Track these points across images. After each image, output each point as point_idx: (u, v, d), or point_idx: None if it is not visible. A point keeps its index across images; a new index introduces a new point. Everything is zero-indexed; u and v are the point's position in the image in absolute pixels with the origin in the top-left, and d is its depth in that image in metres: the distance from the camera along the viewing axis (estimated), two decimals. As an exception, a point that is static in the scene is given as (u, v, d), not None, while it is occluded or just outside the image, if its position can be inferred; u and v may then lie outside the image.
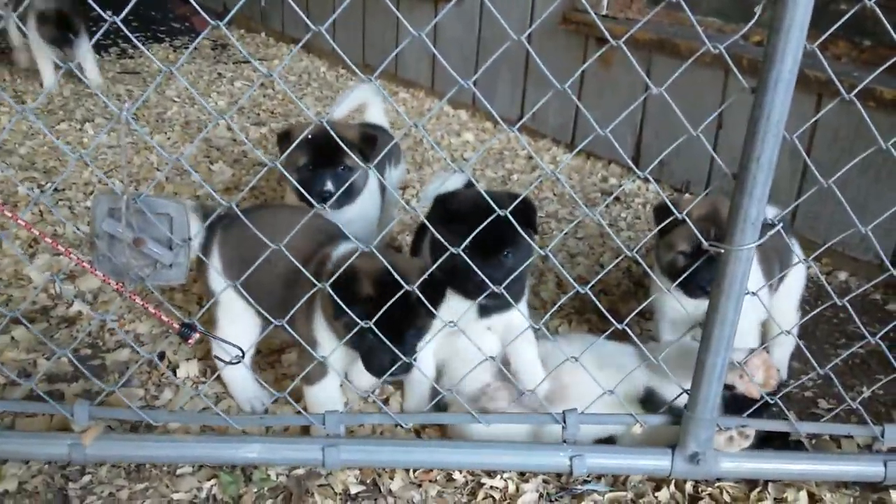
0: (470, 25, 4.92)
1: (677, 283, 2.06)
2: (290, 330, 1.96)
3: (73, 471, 1.97)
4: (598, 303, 1.92)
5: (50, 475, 1.96)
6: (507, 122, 1.74)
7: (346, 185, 2.48)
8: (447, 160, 1.79)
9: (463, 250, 1.78)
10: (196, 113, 4.94)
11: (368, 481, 2.00)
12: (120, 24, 1.56)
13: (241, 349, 1.89)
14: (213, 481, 1.96)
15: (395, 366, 1.87)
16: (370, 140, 2.64)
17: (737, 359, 1.95)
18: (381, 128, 3.29)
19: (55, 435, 1.97)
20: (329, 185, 2.48)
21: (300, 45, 1.73)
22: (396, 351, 1.85)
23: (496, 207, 1.76)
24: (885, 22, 1.65)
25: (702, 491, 2.00)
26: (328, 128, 1.87)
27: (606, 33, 1.68)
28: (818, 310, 2.36)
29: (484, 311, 2.12)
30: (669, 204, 1.90)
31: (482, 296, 1.90)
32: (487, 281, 1.81)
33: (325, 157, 2.51)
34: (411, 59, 5.53)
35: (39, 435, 1.99)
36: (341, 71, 6.11)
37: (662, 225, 2.17)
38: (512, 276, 1.89)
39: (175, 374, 2.39)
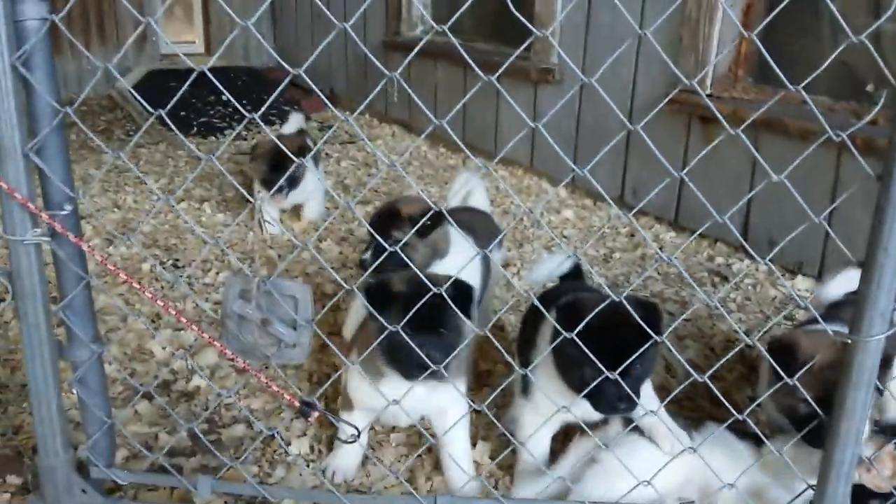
0: (570, 106, 5.00)
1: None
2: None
3: (192, 544, 2.04)
4: (715, 390, 1.88)
5: (170, 547, 2.03)
6: (610, 200, 1.77)
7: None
8: (554, 237, 1.81)
9: None
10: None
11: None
12: (258, 119, 1.67)
13: (357, 428, 1.93)
14: (324, 560, 1.99)
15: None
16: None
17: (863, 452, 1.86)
18: (484, 213, 3.36)
19: (178, 507, 2.04)
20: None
21: (422, 135, 1.80)
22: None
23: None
24: None
25: None
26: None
27: (723, 120, 1.69)
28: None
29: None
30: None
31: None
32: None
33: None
34: (509, 135, 5.65)
35: (164, 506, 2.07)
36: (441, 150, 6.28)
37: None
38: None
39: (287, 452, 2.44)
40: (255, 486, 1.97)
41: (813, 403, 1.89)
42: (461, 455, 2.30)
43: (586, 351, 1.84)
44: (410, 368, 2.01)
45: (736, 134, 1.62)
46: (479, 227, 3.02)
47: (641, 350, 1.83)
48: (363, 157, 6.07)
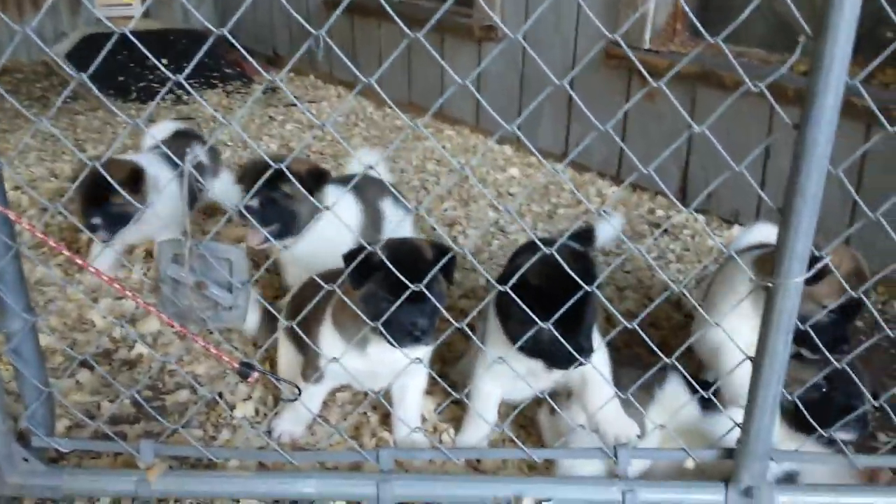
0: (513, 63, 5.00)
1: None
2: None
3: (138, 509, 2.05)
4: (646, 337, 1.93)
5: (116, 514, 2.04)
6: (551, 157, 1.80)
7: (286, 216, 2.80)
8: (490, 198, 1.84)
9: None
10: (248, 156, 5.10)
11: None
12: (183, 81, 1.64)
13: (297, 387, 1.95)
14: (272, 518, 2.02)
15: None
16: (315, 174, 2.82)
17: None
18: (375, 178, 3.26)
19: (122, 472, 2.04)
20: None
21: (353, 92, 1.79)
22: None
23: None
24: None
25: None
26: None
27: (648, 76, 1.72)
28: (872, 340, 2.33)
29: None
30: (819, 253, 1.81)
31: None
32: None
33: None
34: (455, 97, 5.62)
35: (107, 472, 2.07)
36: (388, 110, 6.24)
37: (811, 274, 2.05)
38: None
39: (232, 416, 2.45)
40: (199, 447, 1.98)
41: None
42: (413, 410, 2.35)
43: (521, 305, 1.85)
44: (401, 336, 2.00)
45: (659, 86, 1.64)
46: (366, 186, 3.12)
47: (574, 300, 1.83)
48: (308, 120, 6.00)
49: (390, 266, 1.81)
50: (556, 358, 1.99)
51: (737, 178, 1.78)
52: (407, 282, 1.81)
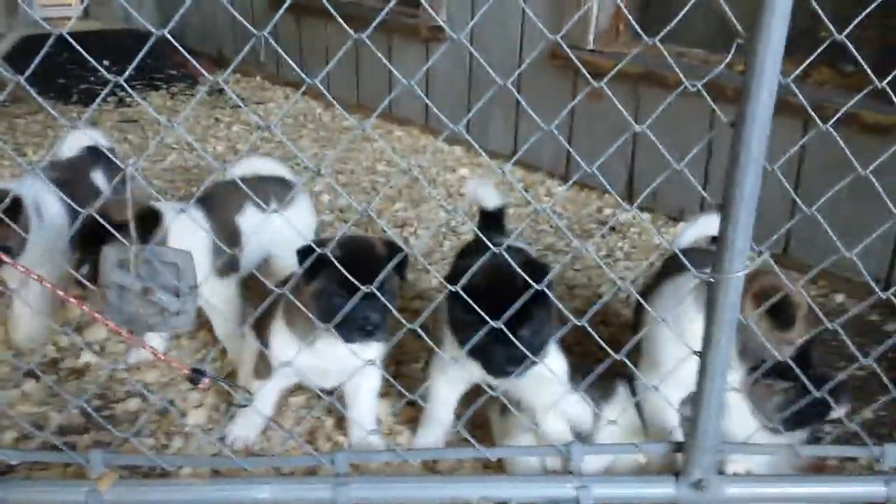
0: (460, 62, 5.02)
1: None
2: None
3: (88, 521, 2.01)
4: (594, 334, 1.97)
5: (66, 526, 1.99)
6: (500, 156, 1.81)
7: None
8: (439, 199, 1.85)
9: None
10: (195, 159, 5.03)
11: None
12: (124, 83, 1.62)
13: (249, 392, 1.94)
14: (226, 526, 1.99)
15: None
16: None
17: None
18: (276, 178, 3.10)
19: (72, 483, 2.00)
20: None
21: (297, 94, 1.79)
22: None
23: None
24: (858, 56, 1.72)
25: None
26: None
27: (589, 77, 1.75)
28: (814, 332, 2.40)
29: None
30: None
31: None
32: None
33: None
34: (404, 97, 5.63)
35: (56, 483, 2.03)
36: (336, 111, 6.21)
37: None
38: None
39: (184, 423, 2.42)
40: (151, 456, 1.96)
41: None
42: (367, 412, 2.35)
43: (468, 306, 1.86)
44: (352, 331, 2.00)
45: (601, 87, 1.68)
46: (221, 196, 2.80)
47: (519, 303, 1.84)
48: (255, 122, 5.94)
49: (340, 263, 1.81)
50: (491, 365, 1.99)
51: (681, 176, 1.82)
52: (359, 278, 1.81)
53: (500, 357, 1.93)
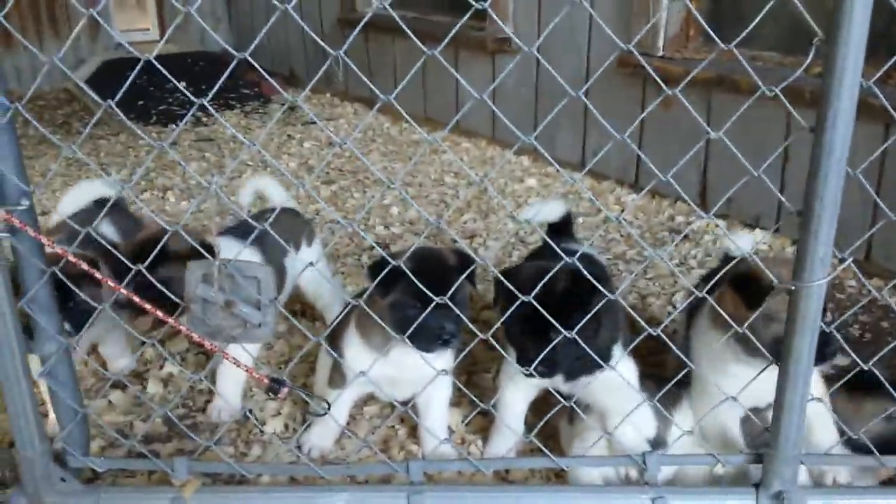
0: (527, 74, 5.03)
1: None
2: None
3: (173, 527, 2.08)
4: (670, 344, 1.94)
5: (151, 531, 2.07)
6: (568, 166, 1.82)
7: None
8: (509, 209, 1.86)
9: None
10: (269, 174, 5.16)
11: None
12: (207, 104, 1.69)
13: (328, 402, 1.99)
14: (305, 532, 2.04)
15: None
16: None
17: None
18: (290, 210, 3.20)
19: (157, 489, 2.07)
20: None
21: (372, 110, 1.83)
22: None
23: None
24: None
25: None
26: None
27: (662, 84, 1.74)
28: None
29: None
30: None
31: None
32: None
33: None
34: (471, 110, 5.63)
35: (142, 490, 2.11)
36: (405, 125, 6.29)
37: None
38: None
39: (262, 432, 2.49)
40: (232, 464, 2.02)
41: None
42: (439, 422, 2.37)
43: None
44: (428, 341, 2.04)
45: (674, 94, 1.66)
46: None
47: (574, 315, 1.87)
48: (326, 138, 6.06)
49: (413, 275, 1.85)
50: (525, 360, 2.00)
51: (756, 183, 1.79)
52: (432, 289, 1.85)
53: (534, 356, 1.95)
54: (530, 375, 2.00)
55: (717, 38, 1.64)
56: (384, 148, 5.79)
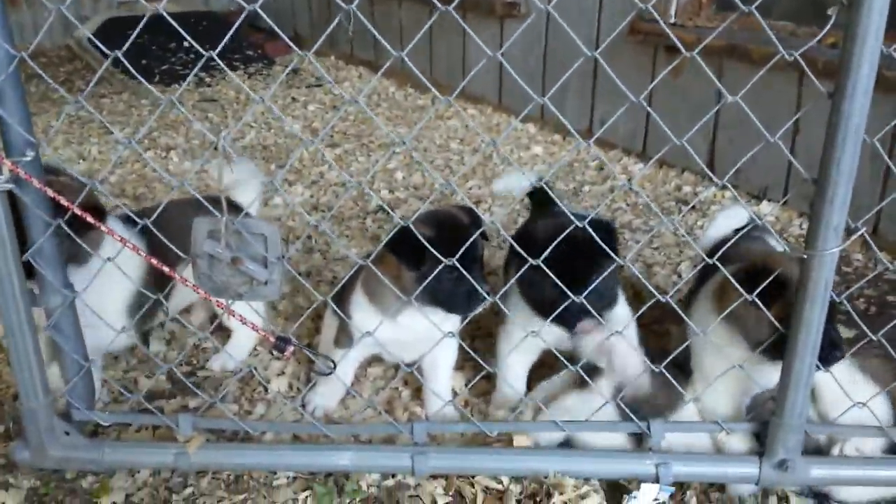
0: (536, 40, 4.97)
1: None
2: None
3: (176, 483, 2.08)
4: (679, 311, 1.94)
5: (154, 487, 2.07)
6: (578, 133, 1.78)
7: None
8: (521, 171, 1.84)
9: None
10: (272, 137, 5.12)
11: (452, 492, 2.05)
12: (216, 57, 1.66)
13: (333, 361, 1.98)
14: (307, 492, 2.04)
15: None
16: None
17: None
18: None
19: (161, 444, 2.08)
20: None
21: (380, 72, 1.80)
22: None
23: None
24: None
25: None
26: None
27: (679, 43, 1.71)
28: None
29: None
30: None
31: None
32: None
33: None
34: (477, 75, 5.59)
35: (147, 444, 2.11)
36: (410, 90, 6.23)
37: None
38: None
39: (266, 390, 2.49)
40: (236, 420, 2.02)
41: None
42: (444, 384, 2.37)
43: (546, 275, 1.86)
44: (464, 303, 2.04)
45: (692, 56, 1.63)
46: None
47: (597, 268, 1.89)
48: (331, 101, 6.01)
49: (436, 241, 1.86)
50: (564, 319, 2.00)
51: (765, 154, 1.77)
52: (459, 254, 1.85)
53: (571, 310, 1.93)
54: (568, 327, 2.01)
55: (738, 2, 1.61)
56: (389, 112, 5.74)
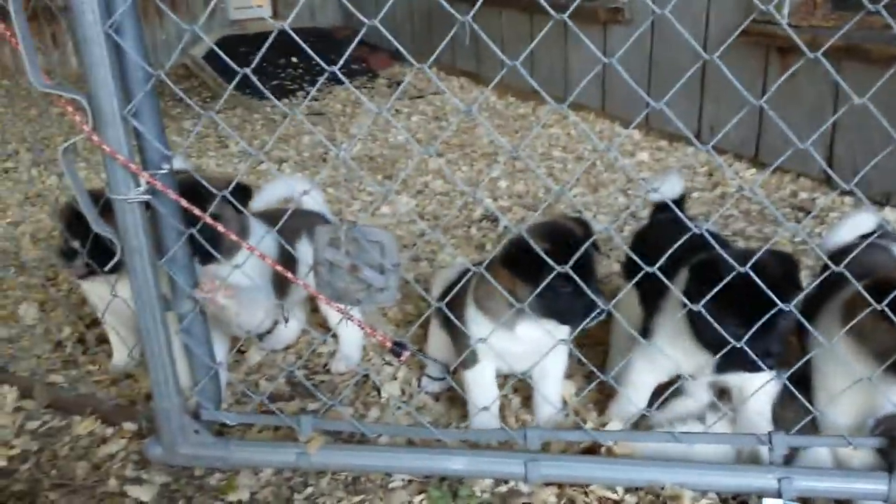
0: (640, 45, 4.90)
1: None
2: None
3: (297, 482, 2.16)
4: (803, 320, 1.87)
5: (277, 486, 2.15)
6: (682, 139, 1.76)
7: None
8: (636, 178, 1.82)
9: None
10: (378, 148, 5.25)
11: (564, 500, 2.04)
12: (339, 73, 1.73)
13: (446, 366, 2.02)
14: (422, 496, 2.08)
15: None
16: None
17: None
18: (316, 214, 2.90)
19: (284, 444, 2.16)
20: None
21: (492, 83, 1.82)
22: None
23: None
24: None
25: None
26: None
27: (802, 45, 1.66)
28: None
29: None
30: None
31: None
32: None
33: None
34: (580, 81, 5.56)
35: (270, 444, 2.20)
36: (511, 99, 6.26)
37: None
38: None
39: (379, 394, 2.55)
40: (355, 423, 2.08)
41: None
42: (555, 392, 2.36)
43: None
44: (581, 316, 2.03)
45: (815, 58, 1.59)
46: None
47: (782, 307, 1.79)
48: (433, 111, 6.11)
49: (555, 256, 1.85)
50: (748, 362, 1.90)
51: (887, 158, 1.70)
52: (576, 267, 1.85)
53: (760, 350, 1.86)
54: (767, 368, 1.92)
55: (866, 2, 1.55)
56: (491, 122, 5.78)
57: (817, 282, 2.09)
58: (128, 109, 1.81)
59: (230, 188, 2.04)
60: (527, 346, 2.16)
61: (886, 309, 1.77)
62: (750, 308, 1.80)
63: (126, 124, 1.82)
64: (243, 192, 2.34)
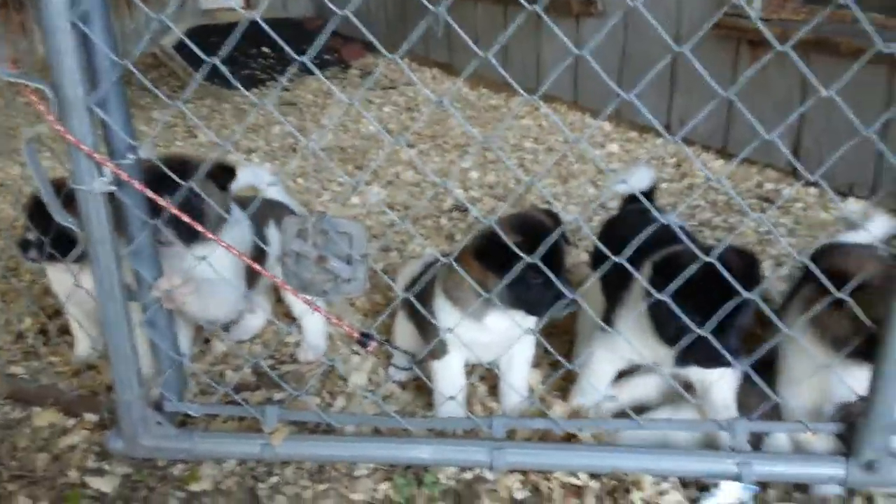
0: (613, 38, 4.92)
1: None
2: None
3: (261, 472, 2.15)
4: (764, 306, 1.90)
5: (241, 476, 2.14)
6: (652, 131, 1.78)
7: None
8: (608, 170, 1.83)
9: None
10: (349, 139, 5.22)
11: (529, 487, 2.06)
12: (309, 63, 1.72)
13: (413, 355, 2.02)
14: (387, 484, 2.08)
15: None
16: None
17: None
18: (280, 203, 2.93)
19: (248, 435, 2.15)
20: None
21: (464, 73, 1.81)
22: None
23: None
24: None
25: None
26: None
27: (772, 38, 1.68)
28: None
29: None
30: None
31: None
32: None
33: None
34: (552, 73, 5.57)
35: (234, 435, 2.18)
36: (483, 90, 6.26)
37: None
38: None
39: (346, 384, 2.55)
40: (320, 413, 2.08)
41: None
42: (522, 381, 2.38)
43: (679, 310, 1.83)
44: (549, 307, 2.04)
45: (784, 51, 1.61)
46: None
47: (741, 303, 1.80)
48: (405, 102, 6.09)
49: (525, 248, 1.85)
50: (707, 357, 1.94)
51: (852, 151, 1.72)
52: (545, 258, 1.85)
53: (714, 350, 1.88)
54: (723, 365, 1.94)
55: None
56: (463, 113, 5.77)
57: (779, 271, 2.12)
58: (93, 99, 1.78)
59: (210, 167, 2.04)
60: (495, 336, 2.16)
61: (846, 297, 1.79)
62: (707, 304, 1.82)
63: (91, 114, 1.79)
64: (227, 172, 2.38)
